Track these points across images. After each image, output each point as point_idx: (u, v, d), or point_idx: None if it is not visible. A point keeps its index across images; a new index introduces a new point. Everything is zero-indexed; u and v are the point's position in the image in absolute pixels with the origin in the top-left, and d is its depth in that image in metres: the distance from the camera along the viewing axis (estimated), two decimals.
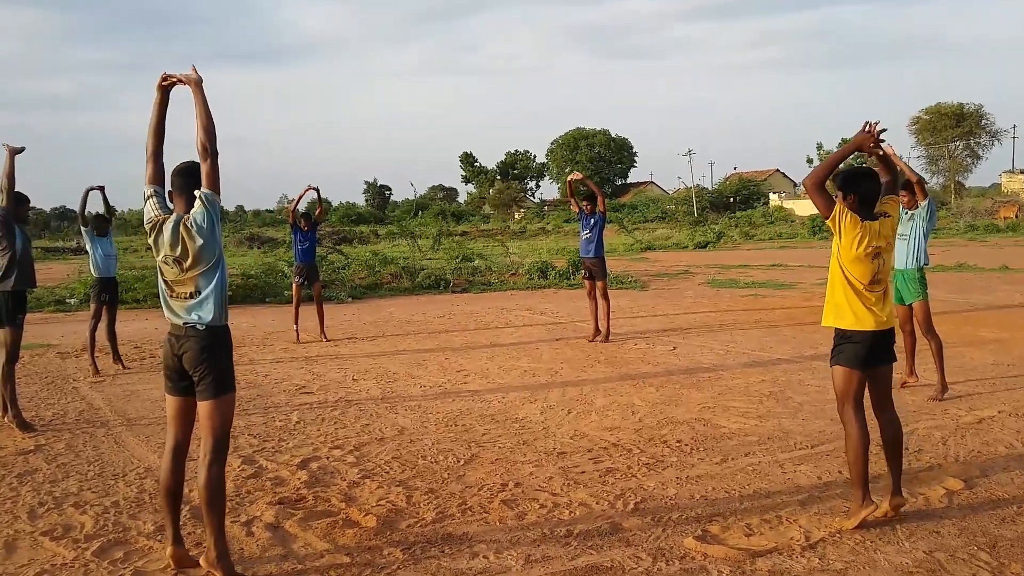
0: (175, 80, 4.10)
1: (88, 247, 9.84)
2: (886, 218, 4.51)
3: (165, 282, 4.09)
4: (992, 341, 10.29)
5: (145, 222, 4.11)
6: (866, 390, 4.60)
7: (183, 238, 3.97)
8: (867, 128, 4.52)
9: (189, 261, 3.99)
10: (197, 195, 3.97)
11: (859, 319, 4.47)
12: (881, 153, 4.64)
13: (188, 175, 4.05)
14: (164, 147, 4.17)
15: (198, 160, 4.01)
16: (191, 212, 3.97)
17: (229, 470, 5.46)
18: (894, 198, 4.68)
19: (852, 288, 4.48)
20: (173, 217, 4.01)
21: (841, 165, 4.94)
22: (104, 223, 9.91)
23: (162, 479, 4.16)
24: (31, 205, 7.64)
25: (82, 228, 9.77)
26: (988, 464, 5.49)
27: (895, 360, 4.66)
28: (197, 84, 4.03)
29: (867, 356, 4.46)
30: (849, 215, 4.42)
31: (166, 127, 4.20)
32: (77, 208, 9.79)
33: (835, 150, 4.77)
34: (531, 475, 5.53)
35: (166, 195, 4.14)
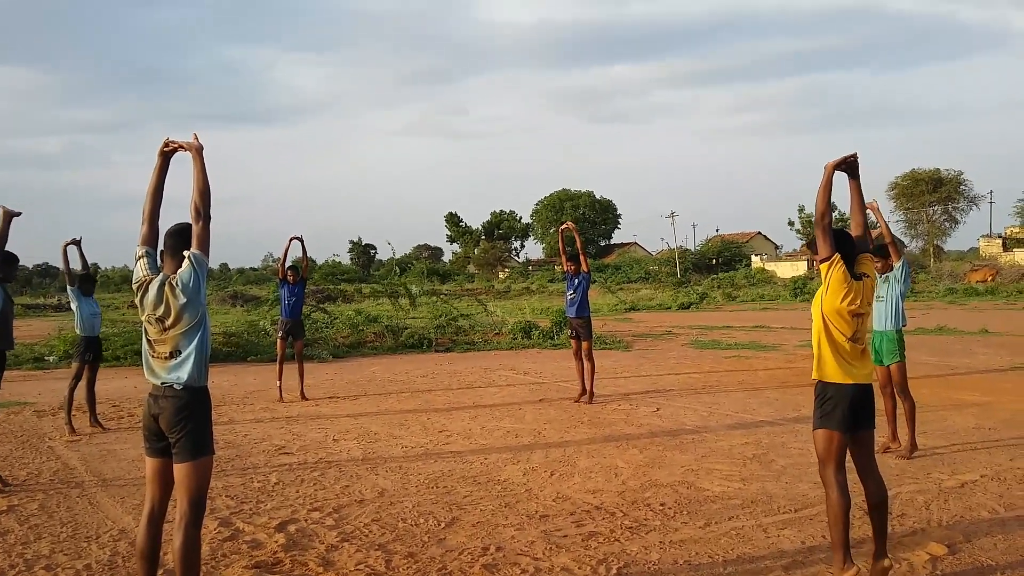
0: (177, 146, 4.17)
1: (74, 306, 9.77)
2: (867, 279, 4.58)
3: (148, 341, 4.09)
4: (973, 404, 10.33)
5: (133, 281, 4.14)
6: (848, 456, 4.59)
7: (167, 297, 3.99)
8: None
9: (171, 319, 4.00)
10: (186, 255, 4.01)
11: (839, 372, 4.50)
12: (852, 171, 4.68)
13: (180, 236, 4.10)
14: (160, 209, 4.22)
15: (190, 222, 4.05)
16: (178, 272, 4.01)
17: (205, 532, 5.38)
18: (868, 256, 4.71)
19: (834, 340, 4.52)
20: (159, 277, 4.05)
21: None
22: (89, 283, 9.87)
23: (138, 542, 4.09)
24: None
25: (69, 288, 9.71)
26: (971, 529, 5.47)
27: (874, 426, 4.67)
28: (198, 151, 4.12)
29: (848, 416, 4.47)
30: (842, 268, 4.48)
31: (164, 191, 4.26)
32: (61, 267, 9.74)
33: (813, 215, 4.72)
34: (513, 539, 5.46)
35: (157, 256, 4.17)
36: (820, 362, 4.58)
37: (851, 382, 4.49)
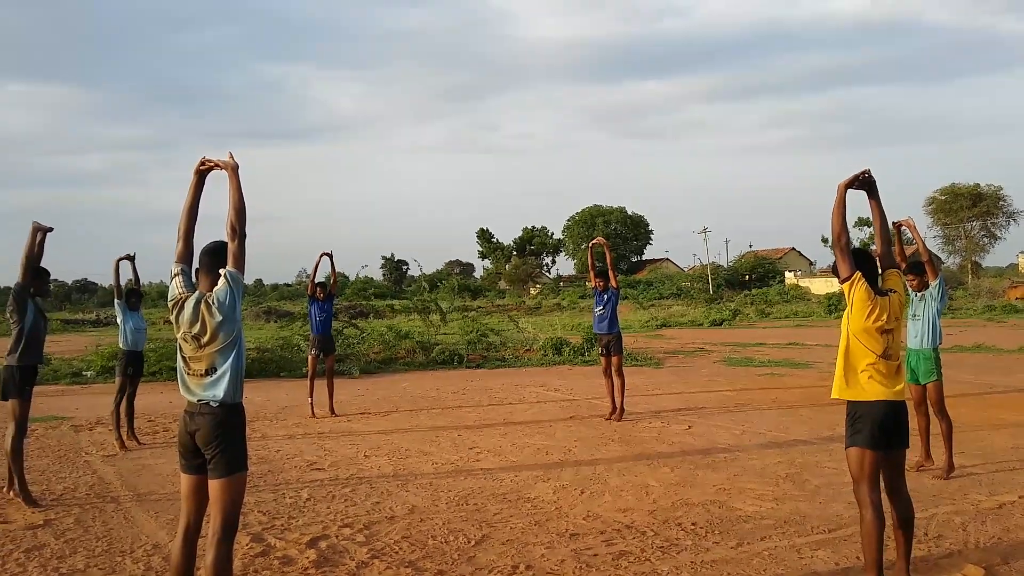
0: (213, 165, 4.24)
1: (119, 320, 9.90)
2: (894, 294, 4.54)
3: (183, 358, 4.14)
4: (1012, 424, 10.14)
5: (169, 299, 4.20)
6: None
7: (203, 315, 4.04)
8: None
9: (207, 337, 4.05)
10: (222, 273, 4.06)
11: (869, 390, 4.46)
12: (869, 188, 4.66)
13: (215, 255, 4.16)
14: (196, 227, 4.29)
15: (226, 240, 4.11)
16: (214, 289, 4.07)
17: (237, 548, 5.42)
18: (895, 272, 4.68)
19: (864, 359, 4.48)
20: (195, 295, 4.10)
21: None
22: (137, 298, 10.02)
23: (172, 557, 4.14)
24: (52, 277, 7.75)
25: (116, 301, 9.87)
26: (1009, 550, 5.37)
27: (908, 446, 4.61)
28: (234, 170, 4.19)
29: (881, 434, 4.42)
30: (864, 286, 4.46)
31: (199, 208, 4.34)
32: (111, 281, 9.91)
33: (849, 228, 4.68)
34: (543, 557, 5.44)
35: (192, 273, 4.23)
36: (846, 380, 4.55)
37: (881, 399, 4.45)
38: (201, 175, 4.30)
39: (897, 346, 4.56)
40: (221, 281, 4.06)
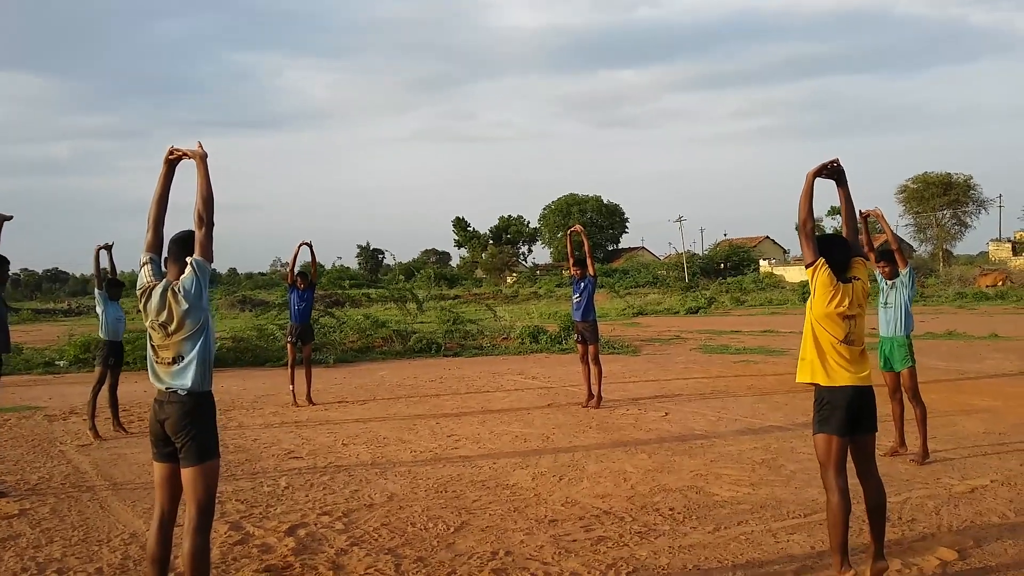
0: (181, 154, 4.21)
1: (99, 310, 9.77)
2: (857, 281, 4.58)
3: (152, 347, 4.13)
4: (983, 409, 10.29)
5: (137, 287, 4.18)
6: (849, 459, 4.60)
7: (170, 303, 4.03)
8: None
9: (174, 325, 4.04)
10: (189, 261, 4.05)
11: (834, 375, 4.51)
12: (838, 177, 4.70)
13: (183, 243, 4.15)
14: (166, 216, 4.26)
15: (194, 228, 4.09)
16: (181, 278, 4.05)
17: (215, 536, 5.40)
18: (860, 261, 4.73)
19: (827, 344, 4.53)
20: (162, 283, 4.08)
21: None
22: (117, 288, 9.91)
23: (149, 546, 4.12)
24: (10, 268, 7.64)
25: (96, 291, 9.76)
26: (981, 534, 5.46)
27: (876, 430, 4.66)
28: (202, 159, 4.16)
29: (848, 420, 4.47)
30: (827, 271, 4.51)
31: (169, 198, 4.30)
32: (92, 270, 9.80)
33: (823, 216, 4.83)
34: (522, 543, 5.47)
35: (162, 262, 4.20)
36: (812, 365, 4.59)
37: (846, 384, 4.49)
38: (170, 164, 4.26)
39: (860, 332, 4.60)
40: (188, 269, 4.06)
